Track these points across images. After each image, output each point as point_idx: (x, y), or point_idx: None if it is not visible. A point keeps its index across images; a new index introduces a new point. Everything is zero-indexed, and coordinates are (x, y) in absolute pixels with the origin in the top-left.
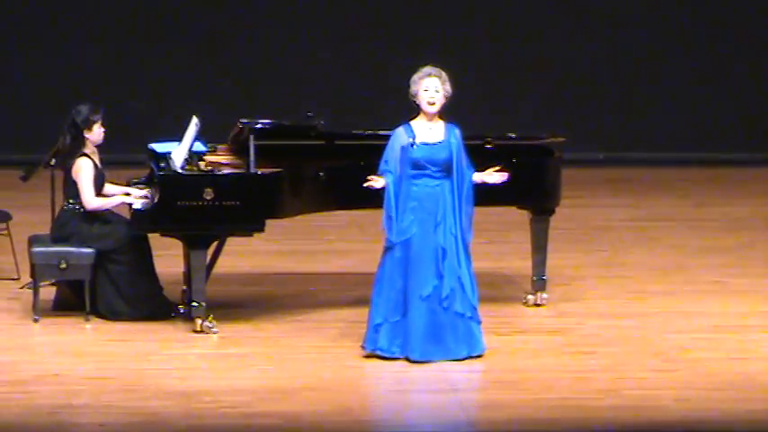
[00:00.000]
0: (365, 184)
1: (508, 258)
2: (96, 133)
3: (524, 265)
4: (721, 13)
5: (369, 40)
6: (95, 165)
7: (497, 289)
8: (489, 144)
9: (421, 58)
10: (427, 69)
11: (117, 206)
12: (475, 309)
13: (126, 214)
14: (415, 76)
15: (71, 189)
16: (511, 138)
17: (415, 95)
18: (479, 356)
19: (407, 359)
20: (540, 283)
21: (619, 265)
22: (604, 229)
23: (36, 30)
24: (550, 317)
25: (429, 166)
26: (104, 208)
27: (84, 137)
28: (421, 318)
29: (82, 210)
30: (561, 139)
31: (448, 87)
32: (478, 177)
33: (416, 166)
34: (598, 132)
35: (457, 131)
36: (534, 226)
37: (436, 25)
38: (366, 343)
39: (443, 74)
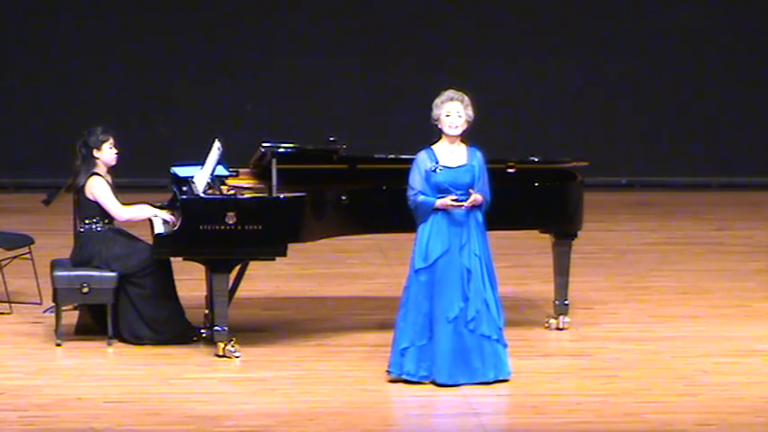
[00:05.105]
0: (468, 204)
1: (530, 282)
2: (107, 154)
3: (547, 288)
4: (742, 38)
5: (391, 65)
6: (108, 183)
7: (520, 313)
8: (511, 168)
9: (443, 82)
10: (449, 93)
11: (146, 218)
12: (501, 331)
13: (148, 238)
14: (438, 101)
15: (85, 210)
16: (533, 161)
17: (437, 119)
18: (505, 380)
19: (434, 383)
20: (562, 307)
21: (641, 289)
22: (626, 252)
23: (60, 54)
24: (573, 340)
25: (452, 190)
26: (137, 218)
27: (94, 157)
28: (447, 340)
29: (99, 229)
30: (584, 164)
31: (470, 111)
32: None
33: (440, 189)
34: (621, 156)
35: (479, 154)
36: (557, 250)
37: (458, 49)
38: (392, 367)
39: (466, 98)
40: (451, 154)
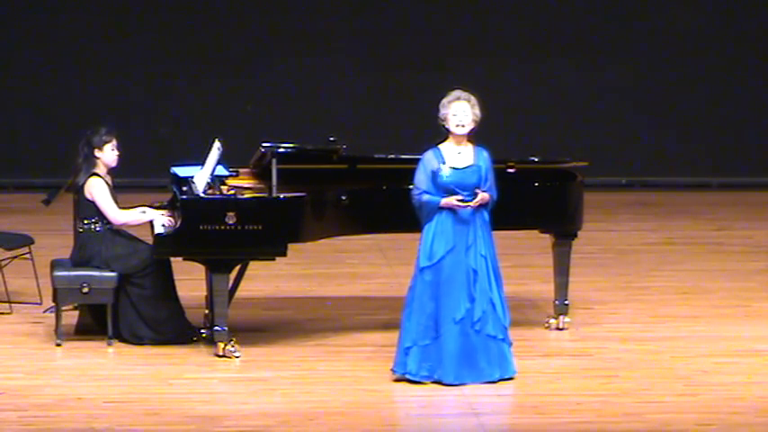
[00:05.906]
0: (475, 203)
1: (531, 282)
2: (108, 155)
3: (547, 288)
4: (741, 38)
5: (391, 65)
6: (108, 184)
7: (520, 312)
8: (511, 168)
9: (443, 82)
10: (456, 93)
11: (144, 222)
12: (506, 330)
13: (148, 238)
14: (444, 100)
15: (84, 210)
16: (533, 161)
17: (444, 119)
18: (510, 379)
19: (439, 382)
20: (562, 307)
21: (641, 289)
22: (627, 252)
23: (60, 55)
24: (573, 340)
25: (459, 191)
26: (133, 222)
27: (95, 157)
28: (454, 341)
29: (98, 229)
30: (584, 164)
31: (477, 111)
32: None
33: (446, 190)
34: (621, 156)
35: (485, 154)
36: (557, 250)
37: (458, 50)
38: (396, 366)
39: (472, 98)
40: (458, 155)
